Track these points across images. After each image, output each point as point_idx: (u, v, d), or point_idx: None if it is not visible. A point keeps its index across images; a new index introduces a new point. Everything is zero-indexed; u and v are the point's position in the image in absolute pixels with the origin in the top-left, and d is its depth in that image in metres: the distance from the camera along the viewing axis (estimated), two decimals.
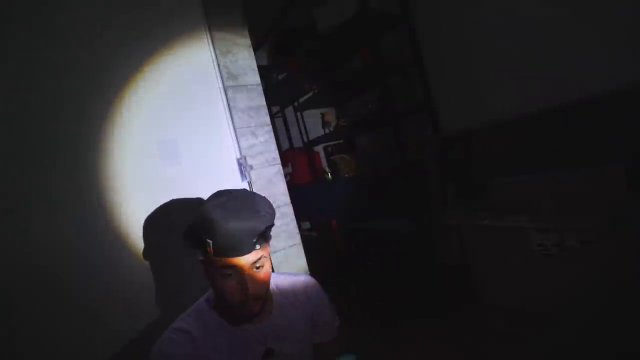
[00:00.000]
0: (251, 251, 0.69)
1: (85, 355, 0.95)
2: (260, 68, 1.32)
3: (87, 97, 1.02)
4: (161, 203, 1.08)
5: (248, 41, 1.30)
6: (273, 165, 1.28)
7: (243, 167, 1.22)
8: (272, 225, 0.75)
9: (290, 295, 0.85)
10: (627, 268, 1.19)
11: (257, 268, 0.71)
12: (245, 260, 0.69)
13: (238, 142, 1.23)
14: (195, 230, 0.72)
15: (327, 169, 2.77)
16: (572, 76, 1.44)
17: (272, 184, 1.27)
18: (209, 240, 0.68)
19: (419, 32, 2.07)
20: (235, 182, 1.21)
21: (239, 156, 1.23)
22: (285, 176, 1.43)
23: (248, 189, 1.22)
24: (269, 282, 0.77)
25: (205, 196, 1.12)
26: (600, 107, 1.36)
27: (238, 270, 0.69)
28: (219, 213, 0.68)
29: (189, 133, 1.15)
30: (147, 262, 1.05)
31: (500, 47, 1.69)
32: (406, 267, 2.03)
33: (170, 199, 1.09)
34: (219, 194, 0.75)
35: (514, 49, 1.63)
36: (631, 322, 1.17)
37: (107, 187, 1.02)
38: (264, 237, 0.72)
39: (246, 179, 1.22)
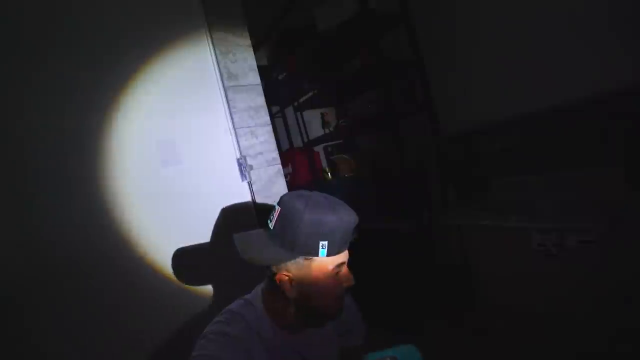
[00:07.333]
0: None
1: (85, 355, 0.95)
2: (260, 68, 1.32)
3: (86, 97, 1.02)
4: (161, 203, 1.08)
5: (248, 41, 1.30)
6: (273, 165, 1.28)
7: (243, 167, 1.22)
8: None
9: None
10: (627, 268, 1.19)
11: None
12: (347, 252, 0.70)
13: (238, 142, 1.23)
14: (307, 240, 0.65)
15: (327, 169, 2.77)
16: (572, 76, 1.44)
17: (272, 184, 1.27)
18: (323, 243, 0.65)
19: (419, 32, 2.06)
20: (235, 182, 1.21)
21: (239, 156, 1.23)
22: (285, 176, 1.43)
23: (248, 189, 1.22)
24: None
25: (205, 196, 1.13)
26: (600, 107, 1.35)
27: (345, 263, 0.70)
28: (323, 212, 0.65)
29: (189, 133, 1.15)
30: (149, 262, 1.05)
31: (500, 47, 1.68)
32: (406, 267, 2.03)
33: (171, 198, 1.09)
34: (298, 196, 0.69)
35: (514, 49, 1.63)
36: (631, 322, 1.17)
37: (107, 188, 1.02)
38: None
39: (246, 179, 1.22)
